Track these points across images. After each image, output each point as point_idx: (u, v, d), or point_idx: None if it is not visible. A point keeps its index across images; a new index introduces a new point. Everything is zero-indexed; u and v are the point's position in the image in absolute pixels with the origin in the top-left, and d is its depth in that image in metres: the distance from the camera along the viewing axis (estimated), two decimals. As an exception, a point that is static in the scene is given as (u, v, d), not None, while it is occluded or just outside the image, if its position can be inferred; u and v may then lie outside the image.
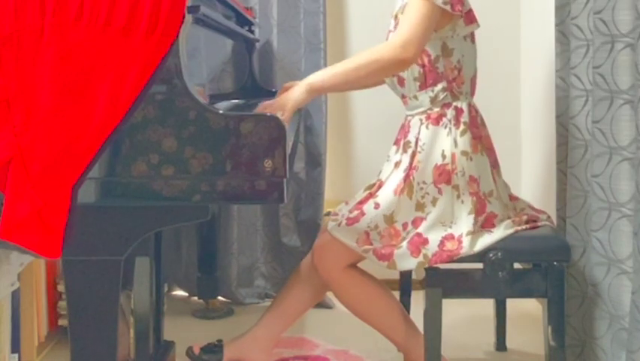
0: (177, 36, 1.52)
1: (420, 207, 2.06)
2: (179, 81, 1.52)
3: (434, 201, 2.05)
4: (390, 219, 2.06)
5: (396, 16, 2.17)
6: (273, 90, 2.77)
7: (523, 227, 2.09)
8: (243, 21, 2.69)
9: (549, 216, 2.22)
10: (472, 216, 2.03)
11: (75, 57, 1.49)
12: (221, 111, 1.54)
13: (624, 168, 1.91)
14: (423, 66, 2.11)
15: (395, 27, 2.14)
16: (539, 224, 2.14)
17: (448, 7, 2.01)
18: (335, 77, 1.96)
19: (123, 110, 1.50)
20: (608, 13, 1.92)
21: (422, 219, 2.05)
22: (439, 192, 2.05)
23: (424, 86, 2.12)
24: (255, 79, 2.81)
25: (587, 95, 2.10)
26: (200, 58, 2.07)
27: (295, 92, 1.91)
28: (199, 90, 1.77)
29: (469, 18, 2.10)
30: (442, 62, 2.10)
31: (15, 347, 2.23)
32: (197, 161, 1.52)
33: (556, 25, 2.25)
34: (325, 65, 2.97)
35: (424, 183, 2.07)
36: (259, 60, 2.98)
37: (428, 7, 1.98)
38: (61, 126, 1.49)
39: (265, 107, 1.89)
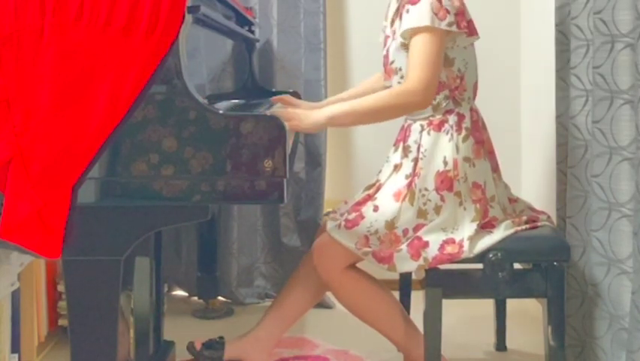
0: (177, 36, 1.52)
1: (422, 214, 2.05)
2: (179, 81, 1.52)
3: (437, 209, 2.04)
4: (390, 225, 2.05)
5: (392, 21, 2.16)
6: (273, 90, 2.77)
7: (523, 227, 2.09)
8: (243, 21, 2.69)
9: (549, 217, 2.22)
10: (476, 223, 2.03)
11: (75, 57, 1.50)
12: (221, 111, 1.54)
13: (624, 168, 1.91)
14: None
15: (393, 34, 2.14)
16: (539, 224, 2.14)
17: (454, 28, 2.01)
18: (358, 116, 1.99)
19: (123, 110, 1.50)
20: (608, 13, 1.92)
21: (424, 225, 2.04)
22: (442, 199, 2.05)
23: None
24: (255, 79, 2.81)
25: (587, 95, 2.09)
26: (200, 58, 2.07)
27: (313, 121, 1.93)
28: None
29: (470, 30, 2.09)
30: (443, 72, 2.08)
31: (15, 347, 2.23)
32: (197, 161, 1.52)
33: (556, 25, 2.25)
34: (325, 65, 2.97)
35: (425, 190, 2.06)
36: (259, 60, 2.98)
37: (436, 40, 1.98)
38: (61, 126, 1.49)
39: (287, 113, 1.91)
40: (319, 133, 2.98)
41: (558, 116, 2.27)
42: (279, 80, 2.98)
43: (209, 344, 2.23)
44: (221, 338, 2.24)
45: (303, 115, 1.93)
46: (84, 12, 1.50)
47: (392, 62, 2.14)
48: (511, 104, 3.18)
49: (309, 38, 3.00)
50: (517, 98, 3.19)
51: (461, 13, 2.04)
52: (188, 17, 1.55)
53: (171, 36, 1.51)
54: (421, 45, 1.99)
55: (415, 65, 1.99)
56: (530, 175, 3.10)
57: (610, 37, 1.92)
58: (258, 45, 2.94)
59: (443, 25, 1.98)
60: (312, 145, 3.01)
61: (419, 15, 1.99)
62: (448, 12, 1.99)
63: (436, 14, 1.98)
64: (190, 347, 2.24)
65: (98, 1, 1.50)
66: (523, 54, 3.17)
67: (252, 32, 2.82)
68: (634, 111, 1.85)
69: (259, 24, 2.97)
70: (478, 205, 2.05)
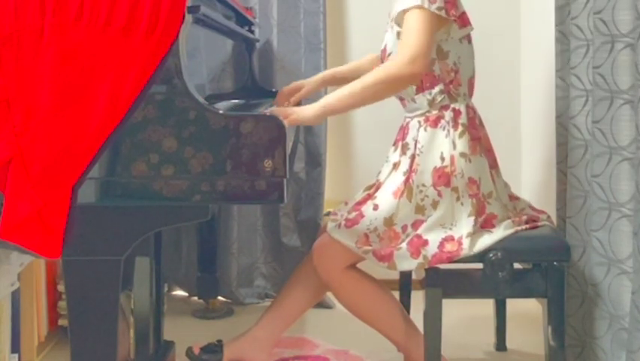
0: (177, 36, 1.52)
1: (420, 209, 2.06)
2: (179, 81, 1.52)
3: (434, 204, 2.05)
4: (389, 221, 2.06)
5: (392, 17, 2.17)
6: (273, 90, 2.77)
7: (523, 227, 2.09)
8: (243, 21, 2.69)
9: (549, 216, 2.22)
10: (472, 218, 2.03)
11: (75, 57, 1.50)
12: (221, 111, 1.54)
13: (624, 168, 1.91)
14: None
15: (391, 28, 2.15)
16: (539, 224, 2.14)
17: (442, 13, 2.01)
18: (348, 98, 1.97)
19: (123, 110, 1.50)
20: (608, 13, 1.92)
21: (422, 221, 2.05)
22: (439, 194, 2.05)
23: (420, 89, 2.12)
24: (255, 79, 2.81)
25: (587, 95, 2.09)
26: (200, 58, 2.07)
27: (310, 111, 1.93)
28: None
29: (463, 21, 2.11)
30: (437, 65, 2.10)
31: (15, 347, 2.23)
32: (197, 161, 1.52)
33: (556, 25, 2.25)
34: (325, 65, 2.97)
35: (423, 185, 2.07)
36: (259, 60, 2.98)
37: (425, 16, 1.99)
38: (61, 126, 1.49)
39: (284, 110, 1.91)
40: (319, 133, 2.99)
41: (558, 117, 2.27)
42: (279, 80, 2.98)
43: (207, 348, 2.23)
44: (219, 341, 2.24)
45: (299, 109, 1.95)
46: (84, 12, 1.50)
47: (389, 55, 2.15)
48: (511, 104, 3.19)
49: (309, 38, 3.00)
50: (517, 98, 3.20)
51: (451, 1, 2.06)
52: (188, 17, 1.55)
53: (171, 36, 1.51)
54: (410, 21, 2.00)
55: (404, 40, 2.00)
56: (530, 175, 3.10)
57: (610, 37, 1.92)
58: (258, 45, 2.94)
59: (433, 9, 1.99)
60: (312, 145, 3.02)
61: None
62: None
63: None
64: (189, 351, 2.23)
65: (98, 1, 1.50)
66: (523, 54, 3.17)
67: (252, 32, 2.82)
68: (634, 111, 1.85)
69: (259, 24, 2.97)
70: (474, 200, 2.06)
